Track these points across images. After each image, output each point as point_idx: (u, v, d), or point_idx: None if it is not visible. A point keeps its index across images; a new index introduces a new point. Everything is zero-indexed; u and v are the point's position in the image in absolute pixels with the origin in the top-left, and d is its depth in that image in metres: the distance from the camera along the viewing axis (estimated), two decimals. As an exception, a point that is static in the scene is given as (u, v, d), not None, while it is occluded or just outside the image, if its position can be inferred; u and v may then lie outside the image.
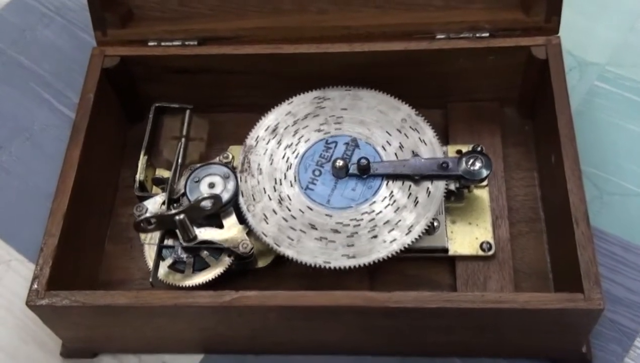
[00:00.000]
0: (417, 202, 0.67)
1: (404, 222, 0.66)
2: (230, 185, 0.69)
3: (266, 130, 0.71)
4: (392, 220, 0.66)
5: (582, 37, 0.82)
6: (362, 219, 0.67)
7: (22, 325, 0.71)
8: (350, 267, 0.64)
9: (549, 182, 0.71)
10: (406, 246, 0.66)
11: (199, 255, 0.68)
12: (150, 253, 0.69)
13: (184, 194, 0.69)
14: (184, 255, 0.68)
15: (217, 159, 0.71)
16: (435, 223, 0.68)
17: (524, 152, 0.76)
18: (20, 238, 0.76)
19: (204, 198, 0.66)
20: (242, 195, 0.68)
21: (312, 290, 0.60)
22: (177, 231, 0.67)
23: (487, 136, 0.75)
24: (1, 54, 0.90)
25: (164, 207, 0.68)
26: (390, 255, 0.65)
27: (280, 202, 0.67)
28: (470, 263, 0.69)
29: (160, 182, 0.71)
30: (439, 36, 0.73)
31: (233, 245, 0.67)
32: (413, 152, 0.70)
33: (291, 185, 0.69)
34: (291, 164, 0.70)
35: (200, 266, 0.68)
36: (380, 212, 0.67)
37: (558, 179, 0.66)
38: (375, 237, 0.66)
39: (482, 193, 0.72)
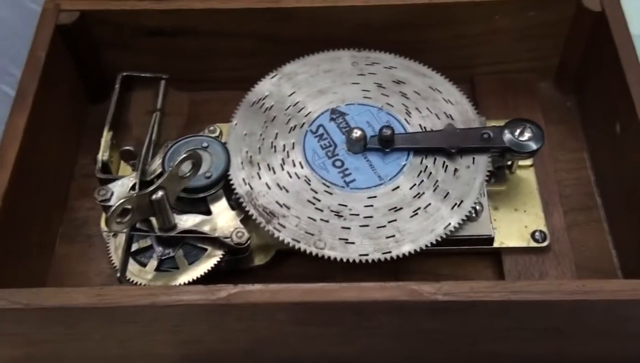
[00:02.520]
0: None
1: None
2: (219, 161, 0.55)
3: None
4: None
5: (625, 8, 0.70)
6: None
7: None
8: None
9: (610, 159, 0.58)
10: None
11: (180, 248, 0.53)
12: (117, 246, 0.53)
13: (161, 175, 0.54)
14: (160, 249, 0.53)
15: (202, 133, 0.57)
16: (478, 207, 0.55)
17: (568, 131, 0.64)
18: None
19: (182, 160, 0.51)
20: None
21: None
22: (154, 219, 0.53)
23: (525, 112, 0.62)
24: None
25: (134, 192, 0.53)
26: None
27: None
28: (520, 257, 0.56)
29: (130, 157, 0.56)
30: (470, -13, 0.61)
31: (224, 235, 0.53)
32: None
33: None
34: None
35: (175, 265, 0.53)
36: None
37: (629, 150, 0.53)
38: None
39: (527, 175, 0.59)
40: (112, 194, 0.54)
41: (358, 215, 0.52)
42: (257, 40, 0.62)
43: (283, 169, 0.54)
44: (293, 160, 0.55)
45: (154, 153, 0.57)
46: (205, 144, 0.56)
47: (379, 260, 0.51)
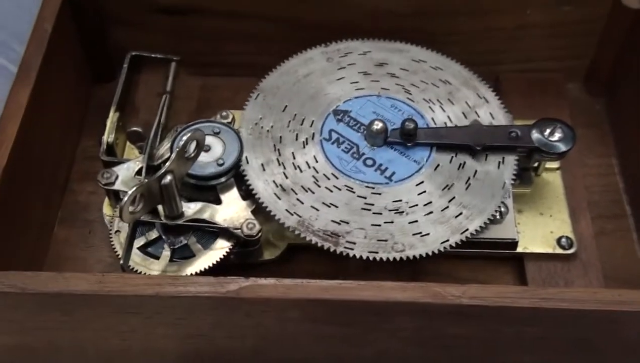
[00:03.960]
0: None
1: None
2: (232, 148, 0.52)
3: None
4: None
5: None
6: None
7: None
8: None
9: (640, 165, 0.55)
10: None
11: (188, 239, 0.50)
12: (120, 236, 0.50)
13: (168, 160, 0.51)
14: (171, 238, 0.50)
15: (214, 118, 0.54)
16: (502, 209, 0.52)
17: (597, 135, 0.61)
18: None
19: (188, 140, 0.47)
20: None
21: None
22: (161, 206, 0.50)
23: (553, 113, 0.58)
24: None
25: (140, 177, 0.50)
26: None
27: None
28: (544, 263, 0.53)
29: (138, 139, 0.53)
30: (501, -22, 0.58)
31: (234, 226, 0.50)
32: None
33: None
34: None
35: (189, 253, 0.50)
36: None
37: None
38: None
39: (554, 178, 0.56)
40: (116, 178, 0.51)
41: (417, 205, 0.50)
42: (275, 24, 0.60)
43: (320, 186, 0.51)
44: (324, 174, 0.51)
45: (162, 137, 0.54)
46: (217, 130, 0.53)
47: (462, 241, 0.49)
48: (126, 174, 0.52)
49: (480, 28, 0.59)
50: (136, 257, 0.49)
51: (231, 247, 0.50)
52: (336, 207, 0.50)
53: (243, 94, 0.56)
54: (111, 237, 0.51)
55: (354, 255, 0.48)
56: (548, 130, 0.52)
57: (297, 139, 0.53)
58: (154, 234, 0.51)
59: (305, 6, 0.58)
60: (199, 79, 0.62)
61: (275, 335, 0.45)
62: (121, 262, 0.46)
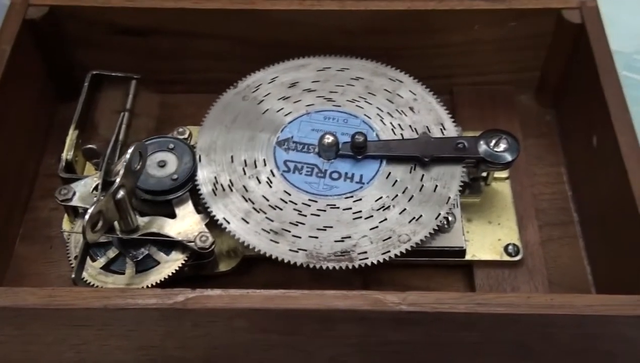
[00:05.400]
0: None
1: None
2: (186, 163, 0.53)
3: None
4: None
5: (606, 24, 0.70)
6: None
7: None
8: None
9: (586, 174, 0.57)
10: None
11: (142, 252, 0.52)
12: (76, 247, 0.52)
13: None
14: (129, 252, 0.51)
15: (170, 134, 0.56)
16: (450, 218, 0.54)
17: (546, 145, 0.62)
18: None
19: (132, 153, 0.49)
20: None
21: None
22: (116, 222, 0.51)
23: (503, 124, 0.60)
24: None
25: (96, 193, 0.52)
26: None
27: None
28: (492, 270, 0.54)
29: (93, 156, 0.55)
30: (450, -5, 0.60)
31: (188, 239, 0.51)
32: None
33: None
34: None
35: (143, 267, 0.51)
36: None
37: (605, 165, 0.52)
38: (372, 233, 0.51)
39: (502, 187, 0.58)
40: (74, 194, 0.53)
41: (397, 195, 0.52)
42: (231, 42, 0.61)
43: (306, 215, 0.51)
44: (303, 203, 0.52)
45: (120, 153, 0.55)
46: (171, 146, 0.54)
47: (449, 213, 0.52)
48: (83, 190, 0.53)
49: (431, 44, 0.61)
50: (102, 276, 0.50)
51: (185, 260, 0.51)
52: (331, 227, 0.51)
53: (203, 110, 0.57)
54: (68, 253, 0.52)
55: (372, 263, 0.49)
56: (494, 141, 0.54)
57: (260, 182, 0.53)
58: (112, 252, 0.52)
59: (260, 25, 0.60)
60: (158, 95, 0.64)
61: (225, 344, 0.47)
62: (72, 276, 0.48)
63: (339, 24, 0.60)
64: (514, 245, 0.54)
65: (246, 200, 0.52)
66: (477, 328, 0.44)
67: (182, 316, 0.44)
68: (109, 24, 0.60)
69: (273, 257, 0.50)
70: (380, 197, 0.52)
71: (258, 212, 0.51)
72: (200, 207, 0.53)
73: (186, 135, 0.56)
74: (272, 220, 0.51)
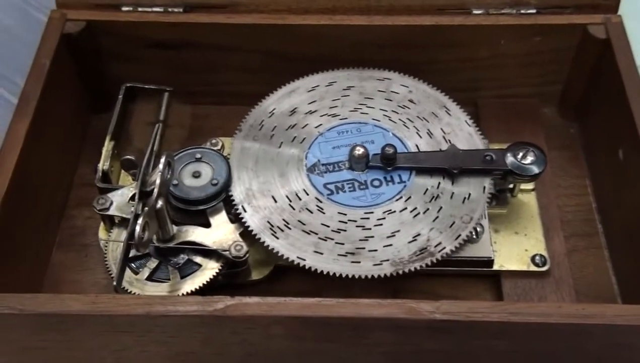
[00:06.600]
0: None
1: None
2: (221, 174, 0.55)
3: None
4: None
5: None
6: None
7: None
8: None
9: (611, 186, 0.58)
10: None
11: (182, 257, 0.53)
12: (113, 255, 0.53)
13: (161, 186, 0.54)
14: (170, 260, 0.53)
15: (203, 145, 0.57)
16: (479, 229, 0.55)
17: (570, 157, 0.63)
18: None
19: (164, 164, 0.50)
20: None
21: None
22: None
23: (528, 137, 0.61)
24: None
25: (134, 203, 0.53)
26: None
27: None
28: (520, 280, 0.55)
29: (131, 166, 0.56)
30: (475, 11, 0.61)
31: (222, 248, 0.52)
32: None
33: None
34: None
35: (185, 272, 0.53)
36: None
37: (631, 178, 0.53)
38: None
39: (529, 199, 0.59)
40: (111, 203, 0.54)
41: (439, 183, 0.54)
42: (262, 56, 0.63)
43: (370, 228, 0.52)
44: (362, 217, 0.53)
45: (155, 164, 0.57)
46: (199, 156, 0.56)
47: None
48: (120, 199, 0.55)
49: (457, 58, 0.62)
50: (129, 277, 0.52)
51: (220, 268, 0.53)
52: (398, 231, 0.52)
53: (231, 122, 0.59)
54: (106, 260, 0.53)
55: (450, 249, 0.51)
56: (521, 154, 0.55)
57: (312, 212, 0.53)
58: (152, 263, 0.53)
59: (291, 39, 0.61)
60: (190, 107, 0.65)
61: (261, 351, 0.48)
62: (114, 283, 0.49)
63: (367, 38, 0.61)
64: (541, 255, 0.56)
65: (308, 233, 0.52)
66: (508, 337, 0.45)
67: (222, 323, 0.45)
68: (143, 38, 0.62)
69: (362, 277, 0.50)
70: (427, 189, 0.54)
71: (325, 240, 0.52)
72: (233, 216, 0.54)
73: (219, 146, 0.58)
74: (342, 244, 0.52)
